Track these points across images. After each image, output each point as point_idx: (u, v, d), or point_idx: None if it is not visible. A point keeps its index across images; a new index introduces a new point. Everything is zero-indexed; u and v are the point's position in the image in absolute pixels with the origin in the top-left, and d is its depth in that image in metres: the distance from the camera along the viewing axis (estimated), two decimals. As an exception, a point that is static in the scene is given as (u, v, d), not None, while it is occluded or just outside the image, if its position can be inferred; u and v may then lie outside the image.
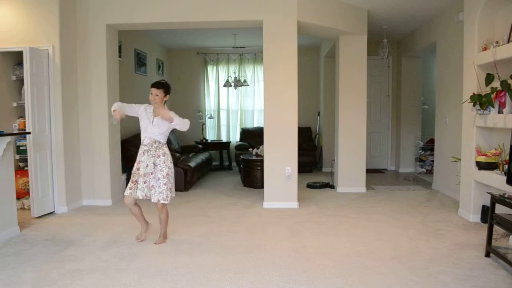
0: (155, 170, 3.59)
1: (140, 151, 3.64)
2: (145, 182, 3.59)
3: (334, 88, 6.89)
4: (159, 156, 3.59)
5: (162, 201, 3.60)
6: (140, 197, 3.60)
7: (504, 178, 3.52)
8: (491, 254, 3.31)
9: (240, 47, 8.87)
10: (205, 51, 9.10)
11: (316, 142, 8.77)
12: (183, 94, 9.23)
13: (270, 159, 5.22)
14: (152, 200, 3.61)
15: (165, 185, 3.58)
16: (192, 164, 6.49)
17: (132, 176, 3.65)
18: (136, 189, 3.60)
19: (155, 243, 3.72)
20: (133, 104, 3.74)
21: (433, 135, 6.76)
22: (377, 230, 4.14)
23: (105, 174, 5.30)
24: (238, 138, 9.07)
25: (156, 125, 3.60)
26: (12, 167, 4.02)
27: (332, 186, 6.40)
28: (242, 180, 6.83)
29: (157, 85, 3.62)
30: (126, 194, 3.64)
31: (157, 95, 3.58)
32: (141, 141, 3.65)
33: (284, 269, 3.10)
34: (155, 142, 3.61)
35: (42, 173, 4.73)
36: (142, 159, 3.60)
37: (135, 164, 3.65)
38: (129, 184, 3.64)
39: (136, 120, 6.64)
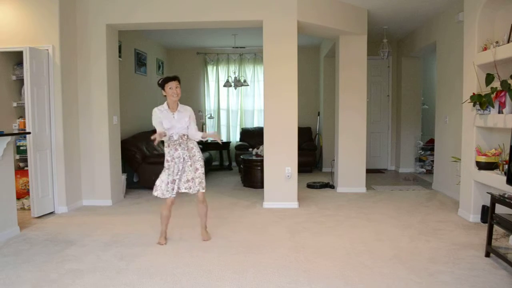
0: (192, 161, 3.67)
1: (170, 149, 3.64)
2: (185, 178, 3.66)
3: (334, 88, 6.89)
4: (192, 148, 3.69)
5: (202, 190, 3.69)
6: (177, 192, 3.66)
7: (504, 178, 3.52)
8: (491, 254, 3.31)
9: (240, 47, 8.87)
10: (205, 51, 9.10)
11: (316, 142, 8.77)
12: (183, 94, 9.20)
13: (270, 159, 5.22)
14: (192, 192, 3.67)
15: (203, 174, 3.70)
16: (192, 164, 6.48)
17: (167, 177, 3.62)
18: (177, 187, 3.63)
19: (204, 240, 3.80)
20: (157, 121, 3.62)
21: (433, 135, 6.76)
22: (377, 230, 4.14)
23: (105, 174, 5.30)
24: (238, 138, 9.08)
25: (179, 119, 3.64)
26: (12, 167, 4.02)
27: (332, 186, 6.40)
28: (242, 180, 6.83)
29: (175, 78, 3.67)
30: (172, 196, 3.62)
31: (177, 87, 3.64)
32: (169, 139, 3.65)
33: (284, 269, 3.10)
34: (184, 135, 3.68)
35: (42, 173, 4.73)
36: (176, 155, 3.62)
37: (166, 163, 3.64)
38: (166, 186, 3.61)
39: (136, 120, 6.67)
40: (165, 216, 3.73)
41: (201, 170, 3.72)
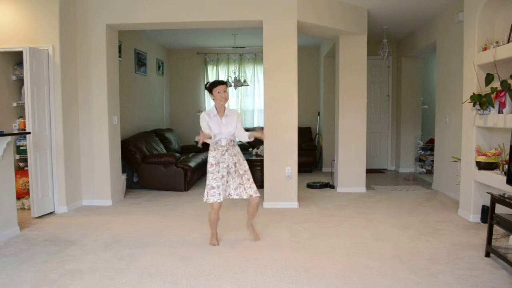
0: (238, 167, 3.61)
1: (216, 154, 3.57)
2: (227, 182, 3.60)
3: (334, 88, 6.89)
4: (236, 155, 3.63)
5: (255, 195, 3.62)
6: (222, 199, 3.58)
7: (504, 178, 3.52)
8: (491, 254, 3.31)
9: (240, 47, 8.87)
10: (205, 51, 9.10)
11: (316, 142, 8.77)
12: (183, 94, 9.24)
13: (270, 159, 5.22)
14: (245, 197, 3.61)
15: (248, 180, 3.63)
16: (192, 164, 6.48)
17: (212, 181, 3.55)
18: (227, 193, 3.59)
19: (255, 238, 3.80)
20: (205, 123, 3.59)
21: (433, 135, 6.76)
22: (377, 230, 4.14)
23: (105, 174, 5.30)
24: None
25: (227, 124, 3.59)
26: (12, 167, 4.02)
27: (332, 186, 6.40)
28: (242, 180, 6.83)
29: (224, 82, 3.64)
30: (218, 201, 3.54)
31: (225, 91, 3.59)
32: (216, 143, 3.59)
33: (284, 269, 3.10)
34: (231, 141, 3.64)
35: (42, 173, 4.73)
36: (222, 160, 3.57)
37: (210, 167, 3.58)
38: (213, 190, 3.54)
39: (136, 120, 6.69)
40: (213, 220, 3.68)
41: (246, 176, 3.64)
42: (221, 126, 3.58)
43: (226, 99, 3.61)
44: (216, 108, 3.63)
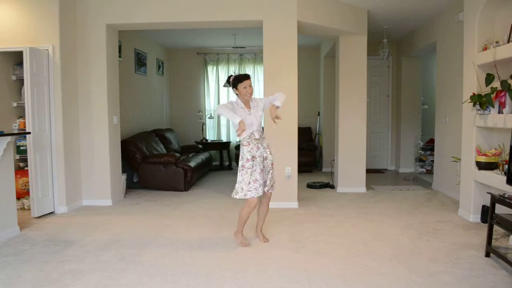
0: (268, 161, 3.59)
1: (252, 148, 3.53)
2: (266, 177, 3.58)
3: (334, 88, 6.89)
4: (268, 146, 3.64)
5: (272, 190, 3.60)
6: (261, 194, 3.54)
7: (504, 178, 3.52)
8: (491, 254, 3.31)
9: (240, 47, 8.87)
10: (205, 51, 9.10)
11: (316, 142, 8.77)
12: (183, 94, 9.24)
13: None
14: (265, 190, 3.58)
15: (272, 173, 3.65)
16: (192, 164, 6.49)
17: (249, 175, 3.48)
18: (260, 187, 3.51)
19: (263, 241, 3.73)
20: (229, 108, 3.53)
21: (433, 135, 6.77)
22: (377, 230, 4.15)
23: (105, 174, 5.30)
24: (238, 138, 9.05)
25: (255, 115, 3.56)
26: (12, 167, 4.02)
27: (332, 186, 6.40)
28: (242, 180, 6.82)
29: (248, 76, 3.58)
30: (256, 196, 3.48)
31: (250, 86, 3.54)
32: (249, 137, 3.54)
33: (284, 269, 3.10)
34: (262, 132, 3.64)
35: (42, 173, 4.73)
36: (258, 153, 3.52)
37: (246, 162, 3.51)
38: (251, 185, 3.47)
39: (136, 120, 6.69)
40: (246, 217, 3.61)
41: (272, 168, 3.64)
42: (251, 118, 3.53)
43: (251, 93, 3.56)
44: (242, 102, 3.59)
